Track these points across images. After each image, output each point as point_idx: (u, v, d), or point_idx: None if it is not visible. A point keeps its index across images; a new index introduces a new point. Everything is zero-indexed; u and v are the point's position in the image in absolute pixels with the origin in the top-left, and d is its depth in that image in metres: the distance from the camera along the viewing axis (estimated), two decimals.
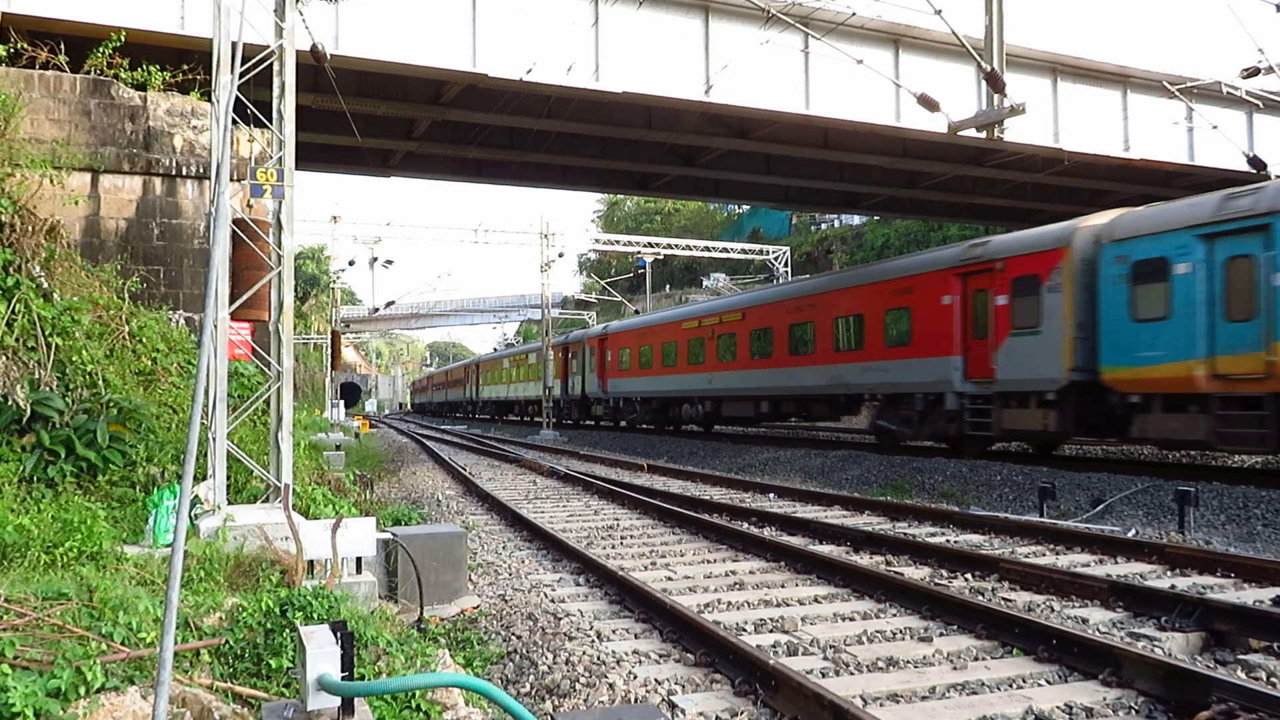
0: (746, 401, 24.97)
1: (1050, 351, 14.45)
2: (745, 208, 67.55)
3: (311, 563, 6.12)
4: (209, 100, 8.26)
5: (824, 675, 5.30)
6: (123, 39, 12.86)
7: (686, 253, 45.89)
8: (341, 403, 43.33)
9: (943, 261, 17.31)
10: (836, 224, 62.08)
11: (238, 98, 6.57)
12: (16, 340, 8.03)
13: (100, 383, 8.50)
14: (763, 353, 23.38)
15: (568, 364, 38.19)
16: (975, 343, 16.06)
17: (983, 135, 13.49)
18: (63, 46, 13.04)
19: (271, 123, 7.70)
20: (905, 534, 10.21)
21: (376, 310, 58.59)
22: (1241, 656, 5.65)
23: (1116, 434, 14.65)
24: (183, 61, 13.64)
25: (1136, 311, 13.34)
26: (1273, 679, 5.25)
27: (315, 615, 4.58)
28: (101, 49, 12.95)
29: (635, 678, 5.25)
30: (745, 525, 10.87)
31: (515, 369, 47.89)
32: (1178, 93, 17.87)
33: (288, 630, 4.46)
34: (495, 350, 68.67)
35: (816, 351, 20.93)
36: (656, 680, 5.22)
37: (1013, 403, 15.35)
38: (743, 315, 24.81)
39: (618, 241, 46.66)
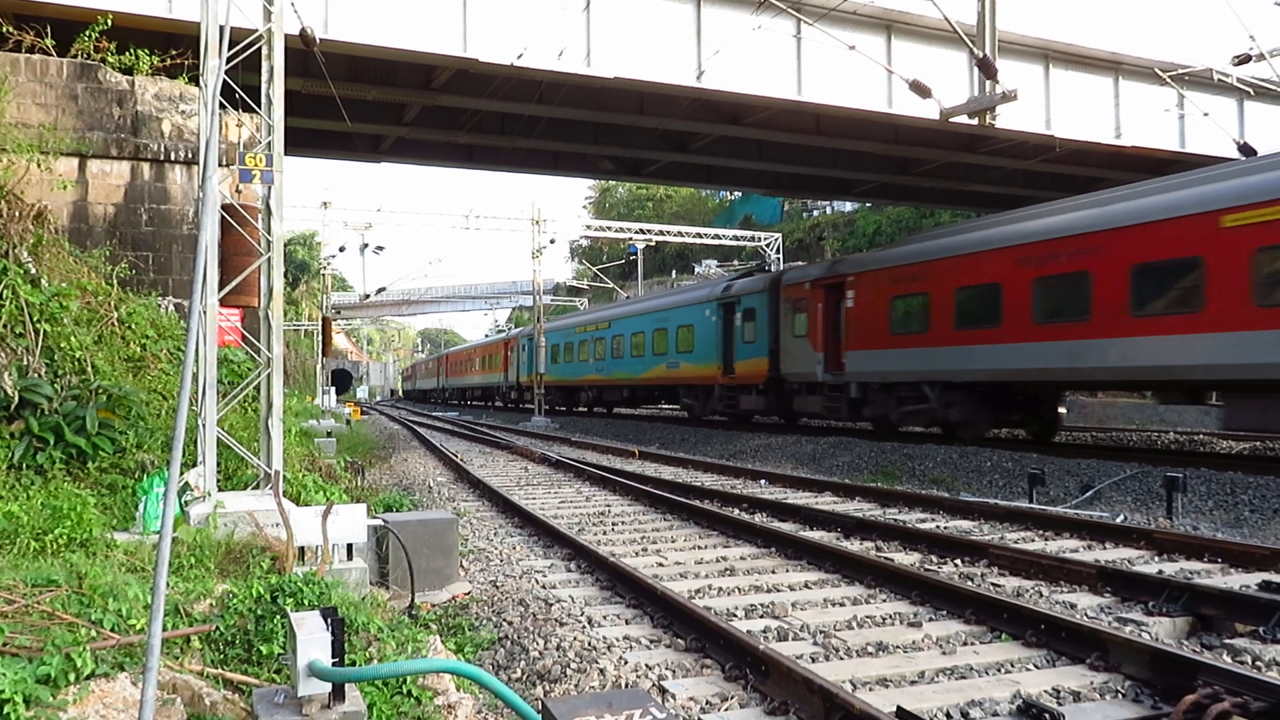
0: (472, 390, 59.34)
1: (514, 371, 45.47)
2: (737, 194, 67.38)
3: (302, 549, 6.11)
4: (197, 85, 8.19)
5: (814, 660, 5.33)
6: (110, 22, 12.72)
7: (678, 239, 45.74)
8: (333, 389, 43.23)
9: (502, 337, 52.94)
10: (829, 211, 61.96)
11: (226, 82, 6.52)
12: (4, 326, 7.97)
13: (89, 369, 8.45)
14: (470, 368, 58.16)
15: (438, 371, 72.40)
16: (509, 367, 46.61)
17: (974, 122, 13.50)
18: (49, 30, 12.91)
19: (260, 107, 7.64)
20: (895, 520, 10.26)
21: (368, 296, 58.52)
22: (1228, 641, 5.69)
23: (516, 402, 47.51)
24: (171, 45, 13.53)
25: (521, 359, 42.96)
26: (1258, 663, 5.30)
27: (306, 601, 4.58)
28: (89, 32, 12.82)
29: (626, 663, 5.26)
30: (736, 511, 10.89)
31: (426, 368, 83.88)
32: (1169, 80, 17.90)
33: (278, 616, 4.46)
34: (486, 336, 75.13)
35: (491, 369, 51.76)
36: (647, 665, 5.24)
37: (509, 389, 47.60)
38: (475, 350, 58.38)
39: (609, 228, 46.54)
